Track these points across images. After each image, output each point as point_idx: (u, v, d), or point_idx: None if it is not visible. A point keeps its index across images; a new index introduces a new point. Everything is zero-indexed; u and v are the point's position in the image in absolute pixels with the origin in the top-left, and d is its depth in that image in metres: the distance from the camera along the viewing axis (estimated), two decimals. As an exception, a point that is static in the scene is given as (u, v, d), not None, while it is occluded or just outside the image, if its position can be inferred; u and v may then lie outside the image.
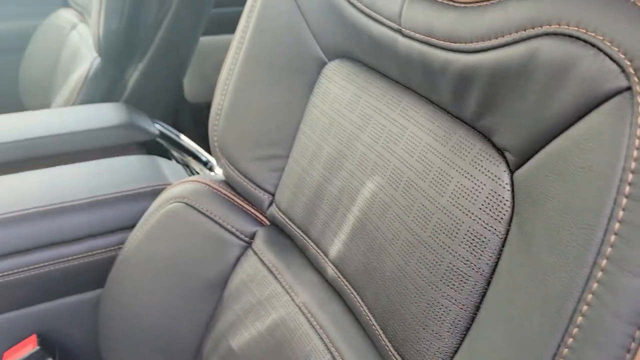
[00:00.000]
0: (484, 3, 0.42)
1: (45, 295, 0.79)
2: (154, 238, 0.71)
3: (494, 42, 0.40)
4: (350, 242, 0.54)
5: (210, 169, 1.05)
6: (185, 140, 1.12)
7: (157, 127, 1.13)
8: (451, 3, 0.45)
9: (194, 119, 1.68)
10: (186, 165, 1.04)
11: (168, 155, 1.08)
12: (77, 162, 0.91)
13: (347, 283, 0.55)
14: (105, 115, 1.06)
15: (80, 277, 0.80)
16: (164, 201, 0.71)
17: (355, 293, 0.54)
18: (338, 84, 0.59)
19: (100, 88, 1.19)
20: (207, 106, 0.74)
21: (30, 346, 0.78)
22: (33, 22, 1.63)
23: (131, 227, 0.76)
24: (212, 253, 0.68)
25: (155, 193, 0.78)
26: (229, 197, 0.71)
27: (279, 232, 0.68)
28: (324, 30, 0.61)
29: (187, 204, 0.69)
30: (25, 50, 1.61)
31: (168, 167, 0.93)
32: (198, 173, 1.04)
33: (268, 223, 0.70)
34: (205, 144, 0.83)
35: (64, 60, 1.44)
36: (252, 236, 0.68)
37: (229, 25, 0.93)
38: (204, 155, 1.07)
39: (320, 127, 0.60)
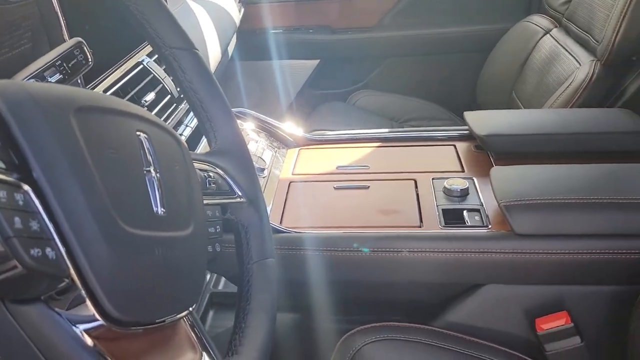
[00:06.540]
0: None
1: (581, 278, 0.86)
2: None
3: None
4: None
5: None
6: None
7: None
8: None
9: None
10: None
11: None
12: (592, 162, 0.96)
13: None
14: (615, 120, 1.08)
15: (616, 270, 0.84)
16: None
17: None
18: None
19: (599, 93, 1.23)
20: None
21: (563, 320, 0.87)
22: (500, 26, 1.80)
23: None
24: None
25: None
26: None
27: None
28: None
29: None
30: (492, 51, 1.78)
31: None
32: None
33: None
34: None
35: (536, 62, 1.53)
36: None
37: None
38: None
39: None
